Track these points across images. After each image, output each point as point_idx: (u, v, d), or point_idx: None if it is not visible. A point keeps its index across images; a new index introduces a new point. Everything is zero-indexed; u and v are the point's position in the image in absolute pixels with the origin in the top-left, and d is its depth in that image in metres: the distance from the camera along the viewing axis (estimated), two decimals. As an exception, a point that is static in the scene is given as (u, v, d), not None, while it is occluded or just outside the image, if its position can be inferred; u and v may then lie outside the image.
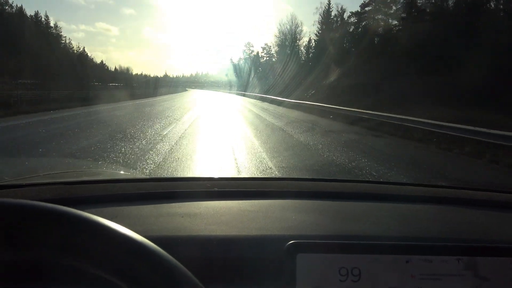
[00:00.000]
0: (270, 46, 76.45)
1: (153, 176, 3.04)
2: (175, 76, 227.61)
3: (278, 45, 65.92)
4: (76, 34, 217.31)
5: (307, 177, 5.36)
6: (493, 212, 1.21)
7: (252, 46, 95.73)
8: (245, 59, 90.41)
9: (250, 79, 76.69)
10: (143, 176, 2.54)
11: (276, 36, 64.56)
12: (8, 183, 1.20)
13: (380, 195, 1.31)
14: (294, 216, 1.02)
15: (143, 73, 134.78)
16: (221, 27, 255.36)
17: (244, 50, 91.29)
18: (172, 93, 75.01)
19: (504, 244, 0.88)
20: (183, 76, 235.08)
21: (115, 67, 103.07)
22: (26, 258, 0.50)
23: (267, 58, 77.49)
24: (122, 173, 2.68)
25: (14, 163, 6.09)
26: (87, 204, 1.05)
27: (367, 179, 4.86)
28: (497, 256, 0.78)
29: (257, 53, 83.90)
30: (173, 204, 1.10)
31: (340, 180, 1.63)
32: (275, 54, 70.82)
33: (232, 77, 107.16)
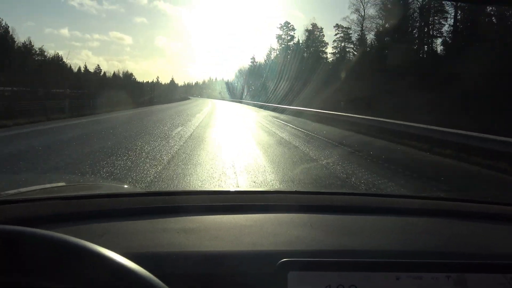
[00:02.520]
0: (322, 28, 53.61)
1: (149, 190, 3.03)
2: (186, 83, 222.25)
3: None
4: (91, 44, 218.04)
5: (302, 190, 5.34)
6: (488, 224, 1.21)
7: (293, 30, 61.93)
8: (282, 48, 61.82)
9: (274, 84, 50.93)
10: (138, 190, 2.52)
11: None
12: (3, 198, 1.19)
13: (374, 208, 1.31)
14: (288, 231, 1.02)
15: (155, 80, 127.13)
16: (235, 32, 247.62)
17: (281, 36, 62.65)
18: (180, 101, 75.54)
19: (496, 258, 0.89)
20: (196, 83, 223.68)
21: (113, 72, 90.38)
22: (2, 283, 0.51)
23: (313, 49, 53.40)
24: (120, 186, 2.67)
25: (11, 178, 6.07)
26: (84, 220, 1.05)
27: (364, 192, 4.84)
28: (486, 272, 0.79)
29: (298, 40, 56.53)
30: (168, 219, 1.10)
31: (335, 193, 1.63)
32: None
33: (248, 82, 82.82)
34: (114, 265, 0.50)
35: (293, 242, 0.95)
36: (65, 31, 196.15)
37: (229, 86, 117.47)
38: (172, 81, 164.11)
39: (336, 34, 49.59)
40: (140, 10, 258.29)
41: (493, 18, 26.92)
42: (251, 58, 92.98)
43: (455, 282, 0.77)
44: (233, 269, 0.84)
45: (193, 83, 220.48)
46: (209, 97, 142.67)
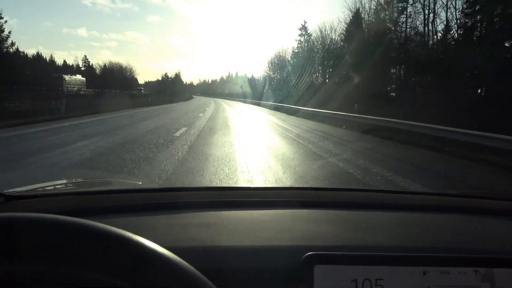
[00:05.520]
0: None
1: (166, 186, 3.05)
2: (202, 81, 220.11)
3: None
4: (109, 43, 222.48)
5: (318, 186, 5.33)
6: (509, 221, 1.19)
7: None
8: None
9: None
10: (155, 186, 2.55)
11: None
12: (20, 194, 1.20)
13: (393, 204, 1.30)
14: (306, 226, 1.01)
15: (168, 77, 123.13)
16: (254, 24, 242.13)
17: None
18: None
19: None
20: (211, 81, 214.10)
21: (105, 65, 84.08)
22: (31, 270, 0.50)
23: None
24: (135, 183, 2.70)
25: (27, 172, 6.22)
26: (100, 215, 1.06)
27: (380, 189, 4.80)
28: None
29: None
30: (186, 215, 1.10)
31: (352, 189, 1.62)
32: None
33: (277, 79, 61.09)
34: (151, 252, 0.51)
35: (312, 238, 0.94)
36: (82, 31, 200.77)
37: (251, 83, 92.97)
38: (180, 80, 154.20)
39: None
40: (153, 9, 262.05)
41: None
42: (300, 28, 55.34)
43: (482, 277, 0.76)
44: (255, 264, 0.83)
45: (210, 81, 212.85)
46: (231, 97, 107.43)
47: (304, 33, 56.03)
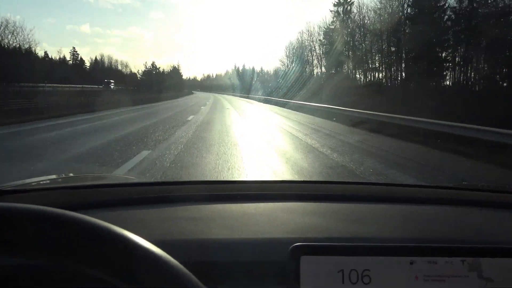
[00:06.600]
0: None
1: (156, 181, 3.05)
2: (206, 76, 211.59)
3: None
4: (113, 40, 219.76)
5: (309, 179, 5.34)
6: (498, 213, 1.20)
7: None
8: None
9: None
10: (146, 180, 2.55)
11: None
12: (12, 188, 1.20)
13: (384, 197, 1.31)
14: (298, 219, 1.02)
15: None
16: (259, 17, 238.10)
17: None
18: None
19: (509, 244, 0.89)
20: (216, 75, 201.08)
21: (96, 58, 77.87)
22: (27, 264, 0.50)
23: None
24: (127, 177, 2.70)
25: (18, 167, 6.16)
26: (90, 209, 1.06)
27: (370, 181, 4.83)
28: (501, 257, 0.78)
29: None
30: (177, 208, 1.10)
31: (343, 182, 1.63)
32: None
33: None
34: (130, 244, 0.50)
35: (304, 230, 0.94)
36: (86, 28, 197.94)
37: (261, 76, 79.15)
38: (179, 74, 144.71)
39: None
40: (155, 4, 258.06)
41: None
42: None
43: (470, 267, 0.77)
44: (243, 256, 0.84)
45: (214, 75, 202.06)
46: (237, 92, 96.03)
47: (343, 1, 42.10)
